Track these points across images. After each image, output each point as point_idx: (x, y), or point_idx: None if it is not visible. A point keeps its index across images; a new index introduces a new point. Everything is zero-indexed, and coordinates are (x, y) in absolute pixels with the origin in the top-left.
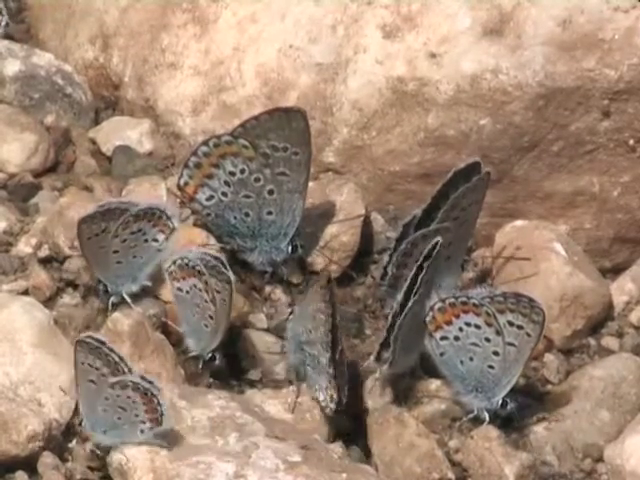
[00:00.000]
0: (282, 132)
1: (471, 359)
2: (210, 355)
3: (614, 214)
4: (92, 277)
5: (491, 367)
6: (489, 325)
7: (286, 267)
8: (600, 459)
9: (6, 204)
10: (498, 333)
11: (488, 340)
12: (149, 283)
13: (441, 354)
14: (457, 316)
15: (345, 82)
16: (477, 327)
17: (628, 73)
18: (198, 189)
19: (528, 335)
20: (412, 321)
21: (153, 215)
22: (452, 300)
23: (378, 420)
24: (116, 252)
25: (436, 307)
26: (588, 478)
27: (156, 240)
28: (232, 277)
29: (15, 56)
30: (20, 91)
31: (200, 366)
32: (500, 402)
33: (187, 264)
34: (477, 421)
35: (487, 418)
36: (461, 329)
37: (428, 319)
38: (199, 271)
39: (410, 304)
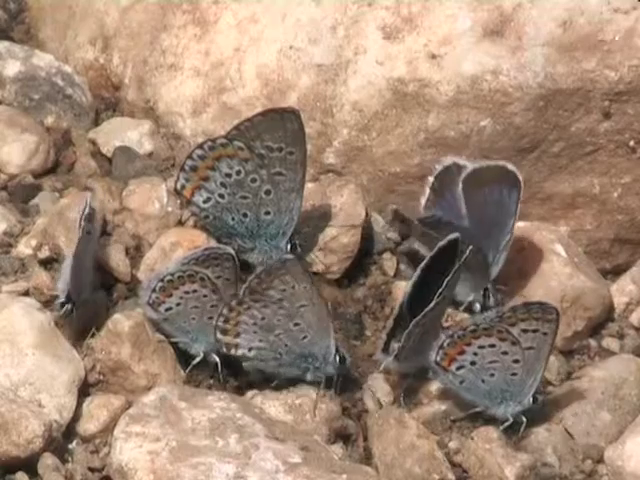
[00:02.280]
0: (276, 133)
1: (492, 375)
2: None
3: (614, 215)
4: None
5: (514, 374)
6: (503, 340)
7: None
8: (601, 460)
9: (6, 205)
10: (514, 343)
11: (506, 353)
12: None
13: (461, 382)
14: (469, 344)
15: (345, 83)
16: (492, 346)
17: (628, 74)
18: (195, 192)
19: (545, 334)
20: (430, 324)
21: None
22: (461, 332)
23: (378, 421)
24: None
25: (445, 343)
26: (589, 479)
27: (89, 232)
28: (231, 250)
29: (15, 57)
30: (20, 92)
31: (217, 359)
32: (531, 400)
33: (170, 280)
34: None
35: (524, 420)
36: (476, 353)
37: (439, 357)
38: (189, 275)
39: (432, 305)
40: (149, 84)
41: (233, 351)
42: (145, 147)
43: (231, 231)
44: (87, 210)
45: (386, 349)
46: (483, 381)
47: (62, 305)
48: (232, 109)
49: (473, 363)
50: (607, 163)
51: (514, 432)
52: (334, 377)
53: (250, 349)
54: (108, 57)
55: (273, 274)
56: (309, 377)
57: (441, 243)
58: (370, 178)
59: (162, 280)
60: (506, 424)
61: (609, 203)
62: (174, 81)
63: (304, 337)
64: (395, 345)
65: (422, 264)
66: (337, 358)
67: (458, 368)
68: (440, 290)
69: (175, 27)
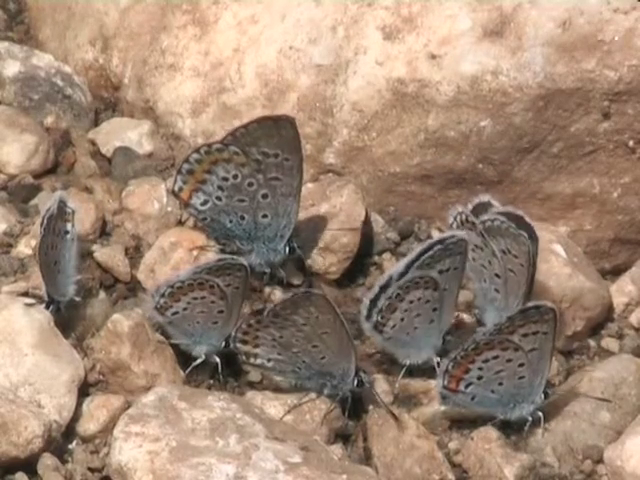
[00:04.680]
0: (272, 139)
1: (500, 384)
2: (224, 344)
3: (614, 215)
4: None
5: (522, 378)
6: (505, 349)
7: (284, 269)
8: (600, 460)
9: (6, 205)
10: (517, 349)
11: (510, 360)
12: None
13: (472, 398)
14: (472, 362)
15: (345, 83)
16: (495, 357)
17: (628, 74)
18: (192, 194)
19: (545, 333)
20: (419, 308)
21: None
22: (463, 352)
23: (378, 421)
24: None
25: (450, 367)
26: (588, 479)
27: (67, 232)
28: (244, 261)
29: (15, 57)
30: (20, 92)
31: (218, 360)
32: (543, 397)
33: (180, 287)
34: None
35: (541, 415)
36: (481, 368)
37: (446, 381)
38: (199, 282)
39: (410, 277)
40: (149, 84)
41: (252, 360)
42: (145, 147)
43: (229, 233)
44: (52, 210)
45: (369, 315)
46: (493, 391)
47: (47, 306)
48: (232, 109)
49: (480, 378)
50: (607, 163)
51: (514, 432)
52: (347, 398)
53: (269, 360)
54: (108, 57)
55: (298, 304)
56: (326, 392)
57: (445, 235)
58: (370, 178)
59: (172, 286)
60: (526, 427)
61: (609, 203)
62: (174, 81)
63: (322, 357)
64: (379, 319)
65: (421, 246)
66: (355, 381)
67: (467, 386)
68: (424, 256)
69: (175, 27)
